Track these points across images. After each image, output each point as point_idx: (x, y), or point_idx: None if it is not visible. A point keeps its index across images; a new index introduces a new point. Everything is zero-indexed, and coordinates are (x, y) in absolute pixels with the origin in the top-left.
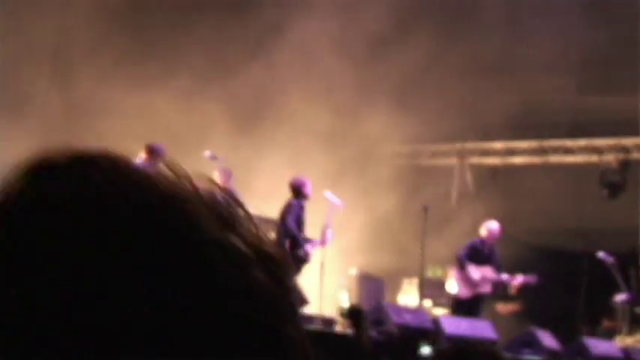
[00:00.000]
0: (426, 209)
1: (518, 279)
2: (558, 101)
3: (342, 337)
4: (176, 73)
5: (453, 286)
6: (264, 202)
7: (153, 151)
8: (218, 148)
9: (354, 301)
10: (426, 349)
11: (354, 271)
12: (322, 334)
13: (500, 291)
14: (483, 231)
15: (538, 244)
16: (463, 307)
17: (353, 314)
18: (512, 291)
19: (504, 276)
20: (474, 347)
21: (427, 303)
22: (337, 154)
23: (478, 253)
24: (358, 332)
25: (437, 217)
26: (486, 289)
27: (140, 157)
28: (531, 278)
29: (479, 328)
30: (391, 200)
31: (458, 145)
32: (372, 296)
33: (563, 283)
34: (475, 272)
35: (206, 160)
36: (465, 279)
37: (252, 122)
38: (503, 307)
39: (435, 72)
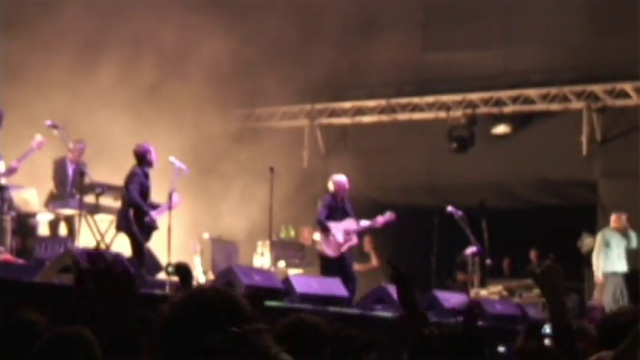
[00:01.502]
0: (272, 169)
1: (379, 220)
2: (404, 59)
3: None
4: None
5: (318, 246)
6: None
7: None
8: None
9: (208, 265)
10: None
11: (207, 235)
12: (158, 296)
13: (355, 250)
14: (331, 185)
15: (390, 201)
16: (332, 266)
17: (179, 271)
18: (366, 248)
19: (365, 222)
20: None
21: (282, 264)
22: (185, 116)
23: (334, 209)
24: (185, 289)
25: (289, 179)
26: (353, 241)
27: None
28: (390, 216)
29: (330, 286)
30: (241, 164)
31: (307, 107)
32: (225, 259)
33: (416, 239)
34: (338, 233)
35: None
36: (330, 240)
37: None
38: (359, 266)
39: (285, 35)
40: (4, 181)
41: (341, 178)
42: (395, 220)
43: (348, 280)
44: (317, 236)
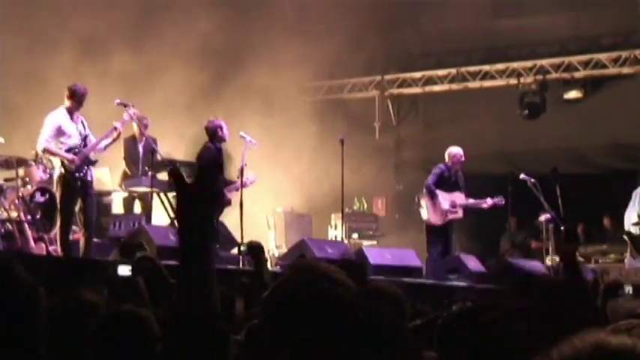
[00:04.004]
0: (342, 141)
1: (489, 202)
2: (473, 26)
3: (246, 273)
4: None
5: (424, 213)
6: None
7: (74, 93)
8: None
9: (281, 239)
10: None
11: (279, 209)
12: (232, 272)
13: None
14: (446, 156)
15: (462, 169)
16: (435, 233)
17: (251, 250)
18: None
19: (472, 200)
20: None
21: (355, 236)
22: (257, 91)
23: (445, 180)
24: (257, 267)
25: (361, 150)
26: (458, 214)
27: (66, 102)
28: (498, 200)
29: (403, 257)
30: (314, 136)
31: (377, 78)
32: (299, 233)
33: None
34: (445, 201)
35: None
36: (436, 207)
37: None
38: None
39: (354, 7)
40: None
41: (457, 150)
42: (502, 204)
43: (449, 251)
44: (423, 203)
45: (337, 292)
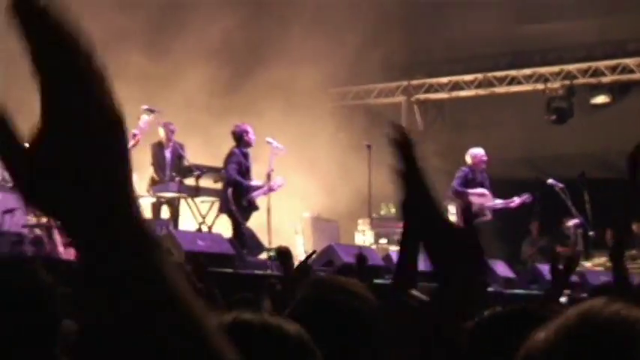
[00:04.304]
0: (369, 147)
1: (516, 201)
2: (499, 32)
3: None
4: None
5: (452, 218)
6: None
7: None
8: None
9: (308, 244)
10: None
11: (307, 215)
12: (259, 277)
13: None
14: (468, 158)
15: (489, 174)
16: None
17: (280, 255)
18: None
19: (499, 201)
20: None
21: (384, 241)
22: (283, 98)
23: (469, 182)
24: (286, 273)
25: (388, 156)
26: (487, 217)
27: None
28: (526, 197)
29: None
30: (341, 142)
31: (404, 83)
32: (326, 238)
33: (516, 212)
34: (476, 199)
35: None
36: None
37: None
38: None
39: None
40: None
41: (477, 150)
42: (530, 201)
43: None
44: (451, 208)
45: (354, 305)
